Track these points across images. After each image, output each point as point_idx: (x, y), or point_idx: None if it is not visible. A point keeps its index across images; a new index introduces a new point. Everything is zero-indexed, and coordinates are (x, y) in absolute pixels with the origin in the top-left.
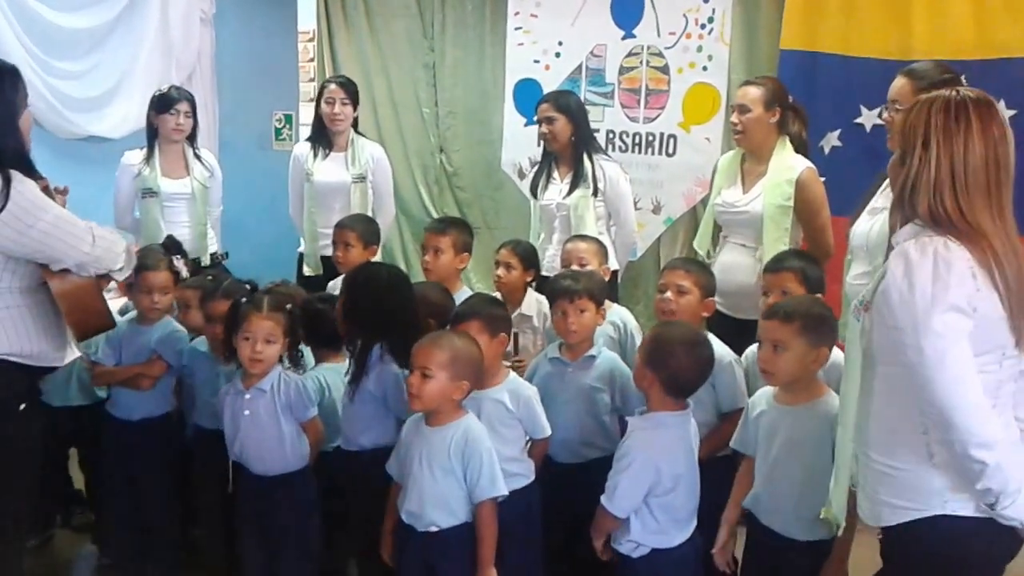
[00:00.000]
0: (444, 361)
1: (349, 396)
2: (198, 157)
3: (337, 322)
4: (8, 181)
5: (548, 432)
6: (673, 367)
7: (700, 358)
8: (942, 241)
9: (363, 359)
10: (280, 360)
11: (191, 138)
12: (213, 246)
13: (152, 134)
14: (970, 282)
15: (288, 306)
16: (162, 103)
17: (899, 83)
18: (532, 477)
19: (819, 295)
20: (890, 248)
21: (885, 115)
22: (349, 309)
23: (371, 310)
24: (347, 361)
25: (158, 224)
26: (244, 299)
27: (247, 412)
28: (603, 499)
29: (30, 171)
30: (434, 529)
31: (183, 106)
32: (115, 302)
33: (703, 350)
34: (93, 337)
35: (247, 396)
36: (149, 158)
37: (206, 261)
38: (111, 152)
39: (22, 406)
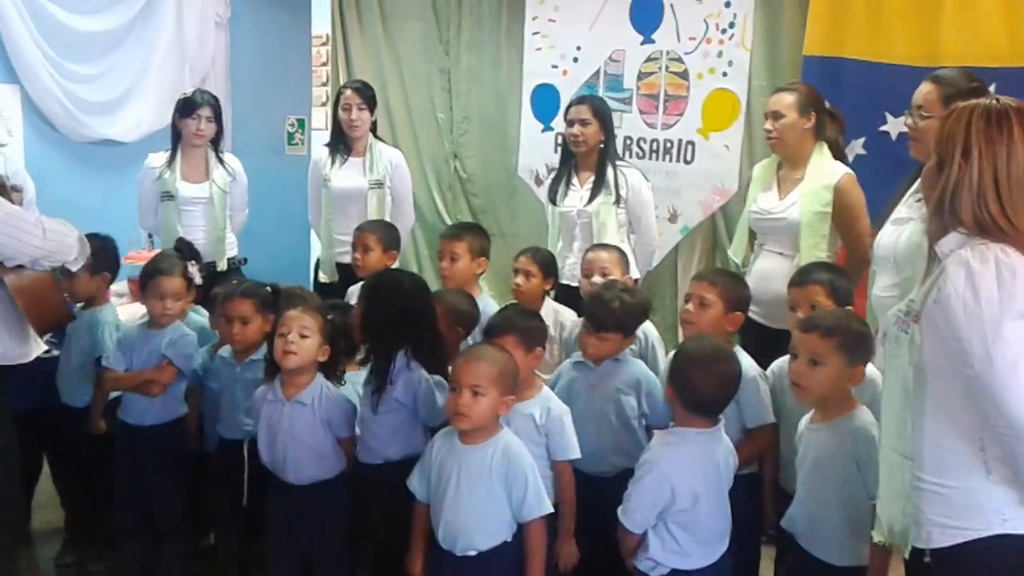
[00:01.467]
0: (494, 377)
1: (372, 407)
2: (221, 161)
3: (352, 330)
4: None
5: (576, 454)
6: (691, 384)
7: (719, 375)
8: (999, 247)
9: (387, 368)
10: (321, 369)
11: (215, 142)
12: (232, 251)
13: (175, 137)
14: None
15: (329, 316)
16: (185, 107)
17: (925, 89)
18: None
19: (848, 308)
20: (932, 257)
21: (909, 121)
22: (371, 317)
23: (395, 317)
24: (362, 370)
25: (175, 228)
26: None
27: (286, 424)
28: (620, 512)
29: None
30: (473, 553)
31: (205, 111)
32: (129, 307)
33: (722, 366)
34: (53, 329)
35: (286, 408)
36: (171, 161)
37: (222, 266)
38: (124, 155)
39: None
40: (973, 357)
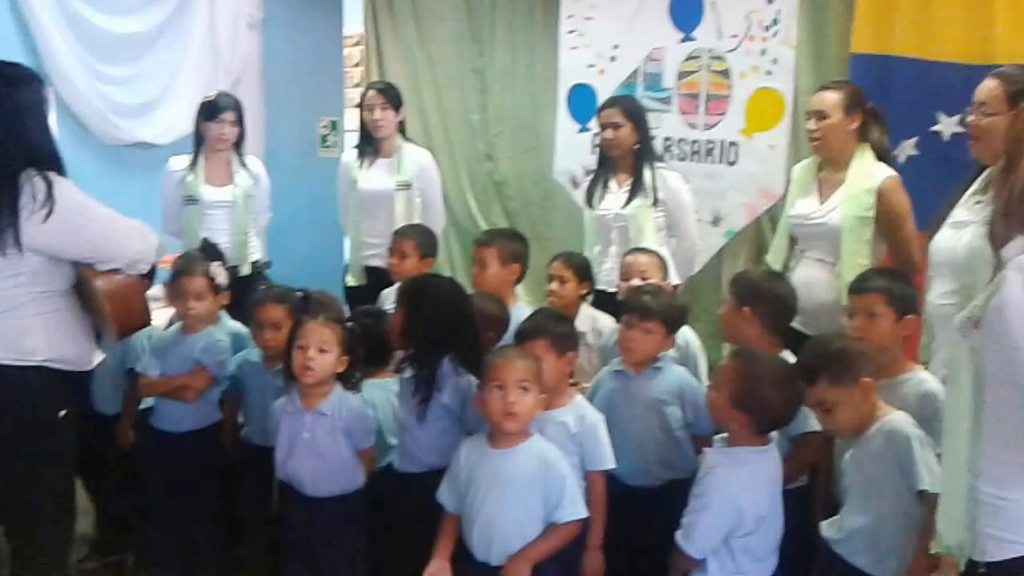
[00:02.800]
0: (535, 373)
1: (417, 415)
2: (243, 165)
3: (386, 336)
4: (50, 184)
5: (611, 464)
6: (769, 404)
7: (796, 393)
8: None
9: (433, 375)
10: (339, 379)
11: (237, 145)
12: (256, 254)
13: (198, 140)
14: None
15: (349, 324)
16: (209, 110)
17: (989, 85)
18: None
19: (910, 315)
20: (998, 263)
21: (971, 119)
22: (415, 324)
23: (440, 323)
24: (396, 378)
25: (197, 232)
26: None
27: (306, 435)
28: (679, 537)
29: (63, 173)
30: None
31: (228, 115)
32: (164, 312)
33: (797, 386)
34: (132, 334)
35: (307, 418)
36: (193, 164)
37: (246, 271)
38: (158, 158)
39: (62, 413)
40: None
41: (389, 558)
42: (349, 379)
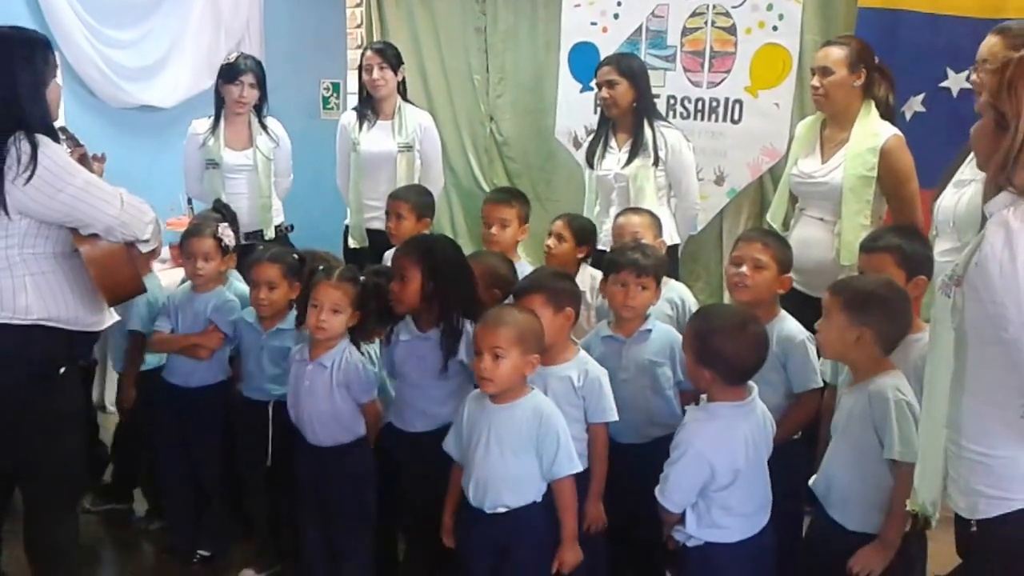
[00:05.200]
0: (513, 338)
1: (437, 373)
2: (264, 127)
3: (394, 299)
4: (35, 146)
5: (614, 416)
6: (725, 355)
7: (752, 337)
8: None
9: (459, 333)
10: (350, 333)
11: (258, 108)
12: (279, 218)
13: (219, 103)
14: None
15: (362, 277)
16: (228, 73)
17: (991, 42)
18: None
19: (922, 276)
20: (983, 218)
21: (974, 76)
22: (437, 284)
23: (458, 281)
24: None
25: (218, 195)
26: (321, 268)
27: (307, 383)
28: (657, 492)
29: (55, 139)
30: (503, 510)
31: (248, 77)
32: (170, 272)
33: (752, 327)
34: (124, 301)
35: (309, 367)
36: (215, 128)
37: (270, 234)
38: (162, 121)
39: (61, 370)
40: (1008, 322)
41: (398, 515)
42: (361, 331)
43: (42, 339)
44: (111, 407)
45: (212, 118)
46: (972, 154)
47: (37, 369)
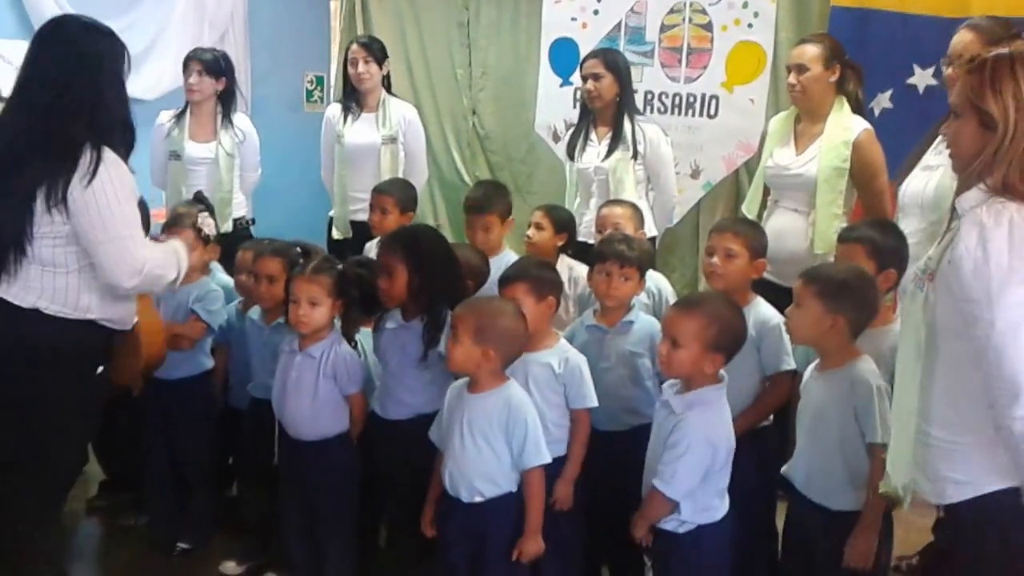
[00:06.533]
0: (470, 327)
1: (416, 362)
2: (231, 123)
3: (381, 292)
4: (99, 160)
5: (593, 403)
6: (738, 336)
7: (743, 318)
8: (1016, 207)
9: (442, 324)
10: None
11: (225, 102)
12: (240, 211)
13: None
14: None
15: (339, 266)
16: (182, 65)
17: (966, 38)
18: None
19: (892, 270)
20: (953, 211)
21: (947, 71)
22: (422, 277)
23: (443, 272)
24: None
25: (180, 188)
26: (301, 262)
27: (294, 374)
28: (658, 484)
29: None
30: (479, 500)
31: (195, 65)
32: None
33: (739, 308)
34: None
35: (297, 359)
36: (179, 119)
37: (227, 228)
38: (146, 114)
39: (100, 369)
40: (978, 320)
41: (381, 504)
42: (346, 321)
43: (94, 337)
44: None
45: (178, 110)
46: (937, 140)
47: (80, 366)
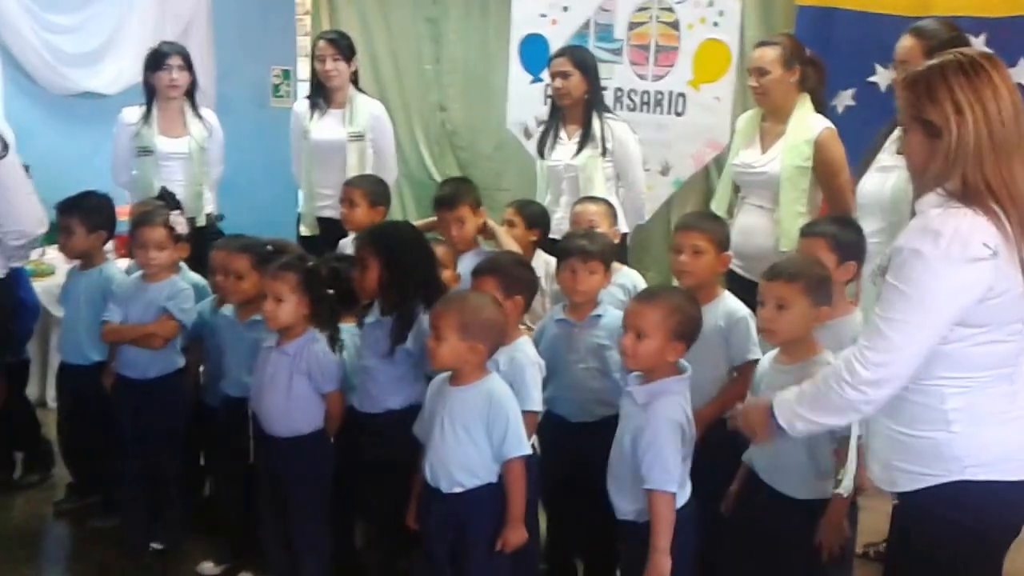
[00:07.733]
0: (454, 324)
1: (383, 357)
2: (198, 116)
3: (356, 287)
4: None
5: (536, 407)
6: (696, 324)
7: (698, 306)
8: (964, 213)
9: (412, 320)
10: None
11: (191, 96)
12: (209, 206)
13: (150, 93)
14: (983, 264)
15: (309, 264)
16: (155, 60)
17: (907, 43)
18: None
19: (852, 262)
20: (914, 214)
21: (895, 76)
22: (395, 272)
23: (416, 269)
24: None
25: (152, 183)
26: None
27: (269, 370)
28: (657, 483)
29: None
30: (459, 490)
31: (175, 60)
32: (120, 263)
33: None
34: None
35: (274, 355)
36: (147, 116)
37: (201, 222)
38: (105, 108)
39: None
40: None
41: (357, 502)
42: (317, 317)
43: None
44: (52, 403)
45: (144, 107)
46: (890, 140)
47: None
